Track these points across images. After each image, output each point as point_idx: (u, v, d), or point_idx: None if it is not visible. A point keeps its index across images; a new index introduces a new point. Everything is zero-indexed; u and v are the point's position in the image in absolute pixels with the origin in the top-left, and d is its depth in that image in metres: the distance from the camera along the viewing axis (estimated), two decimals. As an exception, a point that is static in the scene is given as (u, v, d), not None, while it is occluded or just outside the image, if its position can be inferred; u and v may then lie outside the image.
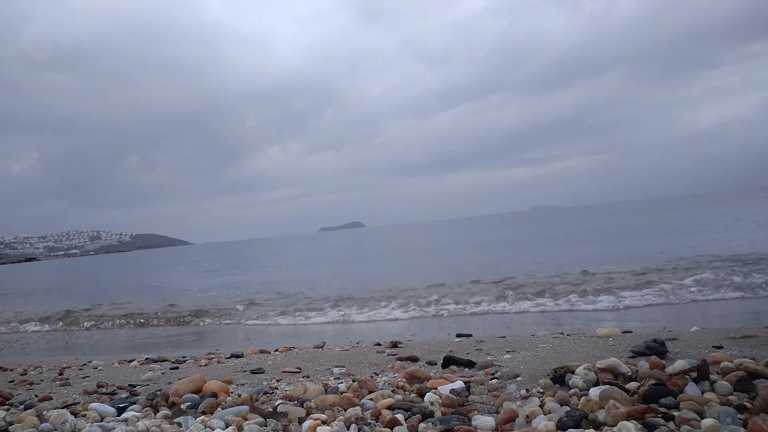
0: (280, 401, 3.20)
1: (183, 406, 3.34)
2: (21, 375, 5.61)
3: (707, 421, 2.28)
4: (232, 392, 3.69)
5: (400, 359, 4.64)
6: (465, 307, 10.07)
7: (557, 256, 17.54)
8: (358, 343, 6.52)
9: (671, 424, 2.32)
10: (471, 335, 6.15)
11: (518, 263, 16.33)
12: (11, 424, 3.12)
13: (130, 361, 6.22)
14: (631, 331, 5.33)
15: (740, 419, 2.32)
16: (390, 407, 2.94)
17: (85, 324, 12.86)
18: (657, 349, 3.92)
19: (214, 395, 3.48)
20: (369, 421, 2.77)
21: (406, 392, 3.42)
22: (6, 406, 3.75)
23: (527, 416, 2.62)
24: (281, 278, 20.39)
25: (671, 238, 20.40)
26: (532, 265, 15.27)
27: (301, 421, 2.87)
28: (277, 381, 4.23)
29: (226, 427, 2.79)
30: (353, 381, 3.82)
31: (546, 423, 2.44)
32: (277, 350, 6.00)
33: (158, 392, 3.72)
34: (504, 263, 16.83)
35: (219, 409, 3.20)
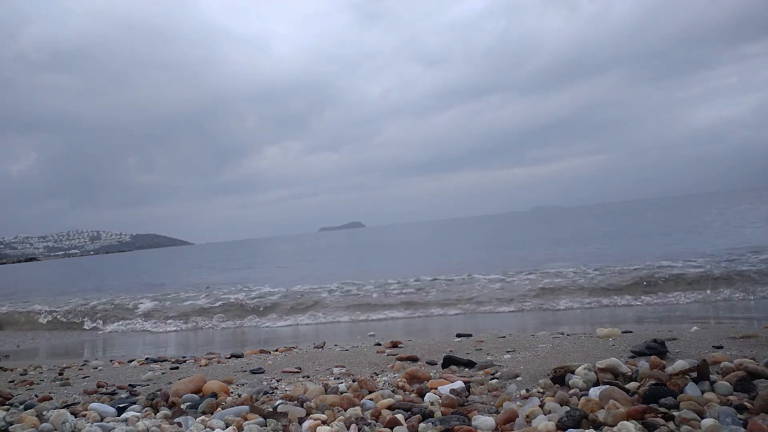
0: (280, 401, 3.21)
1: (183, 406, 3.34)
2: (21, 375, 5.61)
3: (707, 421, 2.28)
4: (232, 392, 3.69)
5: (400, 359, 4.64)
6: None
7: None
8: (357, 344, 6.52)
9: (671, 424, 2.32)
10: (471, 335, 6.15)
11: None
12: (11, 424, 3.12)
13: (130, 361, 6.22)
14: (631, 331, 5.33)
15: (740, 419, 2.32)
16: (390, 407, 2.94)
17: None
18: (657, 349, 3.92)
19: (214, 395, 3.48)
20: (369, 421, 2.76)
21: (406, 392, 3.42)
22: (6, 406, 3.75)
23: (527, 416, 2.62)
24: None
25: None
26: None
27: (301, 421, 2.86)
28: (277, 381, 4.23)
29: (226, 427, 2.79)
30: (353, 381, 3.82)
31: (546, 423, 2.44)
32: (277, 350, 6.00)
33: (158, 392, 3.72)
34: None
35: (219, 409, 3.20)
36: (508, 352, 4.68)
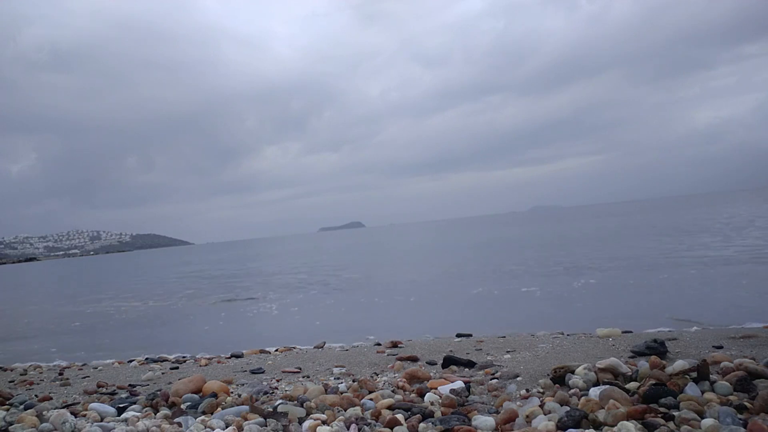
0: (280, 401, 3.21)
1: (183, 406, 3.34)
2: (21, 375, 5.61)
3: (707, 421, 2.28)
4: (232, 392, 3.69)
5: (400, 359, 4.64)
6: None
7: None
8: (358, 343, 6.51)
9: (671, 424, 2.32)
10: (471, 335, 6.15)
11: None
12: (11, 424, 3.12)
13: (130, 361, 6.22)
14: (631, 331, 5.33)
15: (740, 419, 2.32)
16: (390, 407, 2.95)
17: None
18: (657, 349, 3.92)
19: (214, 395, 3.48)
20: (369, 421, 2.77)
21: (406, 392, 3.42)
22: (6, 406, 3.75)
23: (527, 416, 2.62)
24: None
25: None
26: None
27: (301, 421, 2.87)
28: (277, 381, 4.23)
29: (226, 427, 2.79)
30: (353, 381, 3.83)
31: (546, 423, 2.45)
32: (277, 350, 6.00)
33: (158, 392, 3.72)
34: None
35: (219, 409, 3.20)
36: (508, 352, 4.68)
